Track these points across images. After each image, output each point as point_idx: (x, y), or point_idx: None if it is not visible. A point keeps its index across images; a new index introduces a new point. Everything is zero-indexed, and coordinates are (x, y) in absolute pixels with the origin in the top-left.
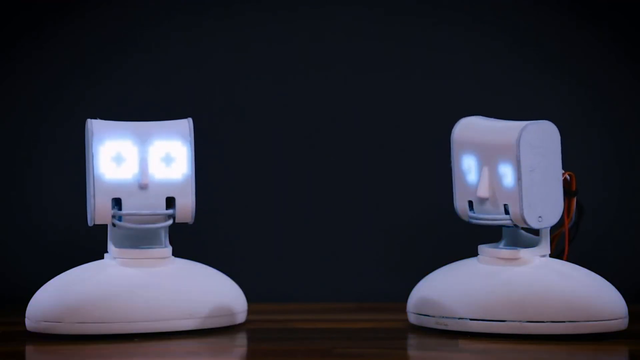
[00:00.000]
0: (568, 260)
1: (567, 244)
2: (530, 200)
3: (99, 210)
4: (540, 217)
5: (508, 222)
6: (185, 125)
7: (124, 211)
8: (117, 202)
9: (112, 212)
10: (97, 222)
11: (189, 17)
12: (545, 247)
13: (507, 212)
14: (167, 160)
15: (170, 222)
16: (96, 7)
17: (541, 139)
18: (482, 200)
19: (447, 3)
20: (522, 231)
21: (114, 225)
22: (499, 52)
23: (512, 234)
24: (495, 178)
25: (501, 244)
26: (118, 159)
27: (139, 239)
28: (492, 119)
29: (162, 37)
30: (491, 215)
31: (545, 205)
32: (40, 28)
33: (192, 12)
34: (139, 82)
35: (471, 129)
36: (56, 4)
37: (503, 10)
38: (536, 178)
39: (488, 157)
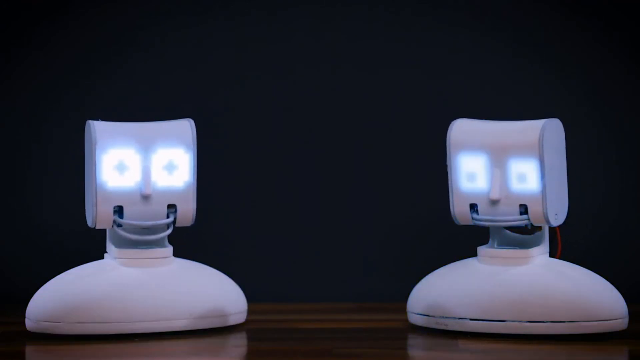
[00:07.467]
0: (562, 257)
1: (559, 241)
2: (550, 198)
3: (100, 217)
4: (556, 214)
5: (525, 222)
6: (188, 129)
7: (125, 220)
8: (119, 209)
9: (113, 218)
10: (98, 227)
11: (189, 17)
12: (545, 246)
13: (523, 212)
14: (170, 168)
15: (169, 231)
16: (96, 7)
17: (554, 136)
18: (494, 202)
19: (447, 3)
20: (508, 231)
21: (119, 225)
22: (499, 52)
23: (501, 234)
24: (508, 179)
25: (494, 245)
26: (121, 167)
27: (140, 240)
28: (482, 120)
29: (162, 37)
30: (507, 217)
31: (559, 203)
32: (41, 28)
33: (192, 12)
34: (139, 82)
35: (473, 131)
36: (56, 4)
37: (503, 10)
38: (553, 176)
39: (499, 159)
